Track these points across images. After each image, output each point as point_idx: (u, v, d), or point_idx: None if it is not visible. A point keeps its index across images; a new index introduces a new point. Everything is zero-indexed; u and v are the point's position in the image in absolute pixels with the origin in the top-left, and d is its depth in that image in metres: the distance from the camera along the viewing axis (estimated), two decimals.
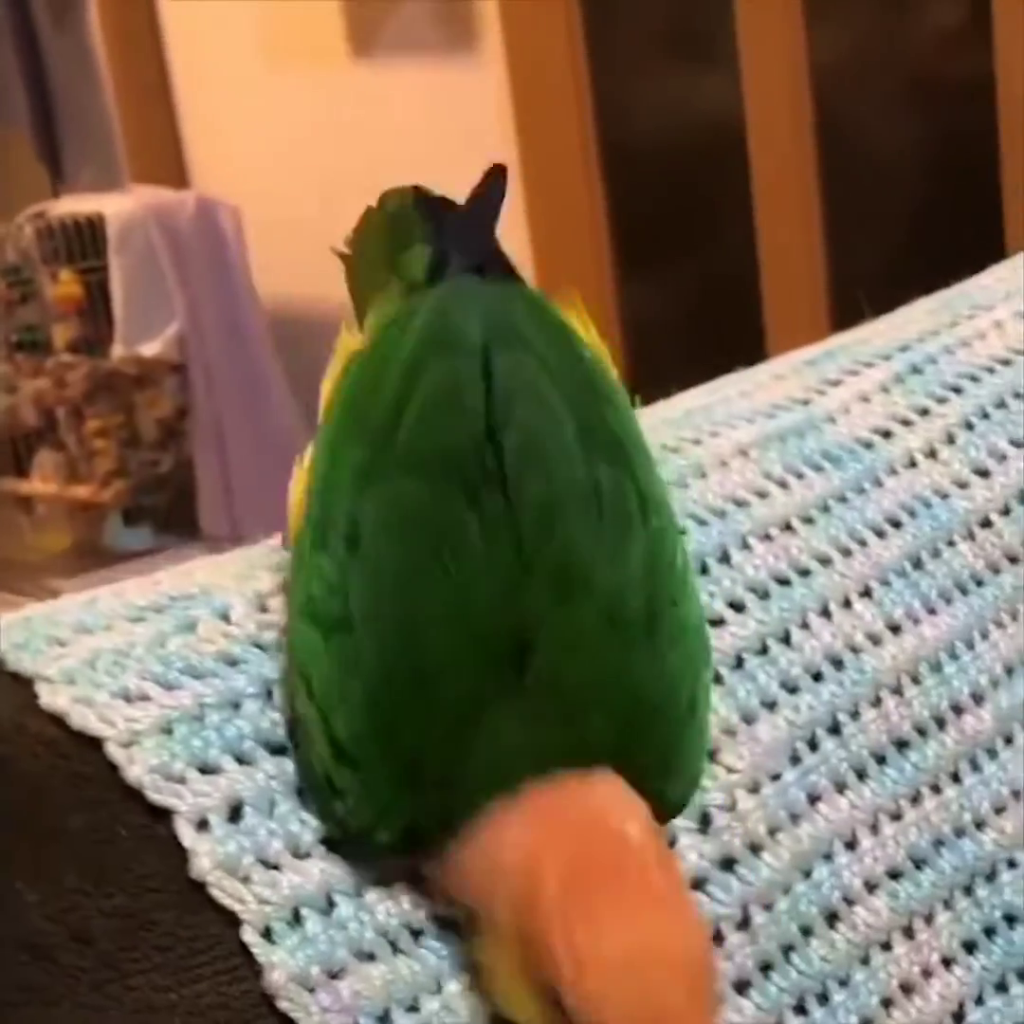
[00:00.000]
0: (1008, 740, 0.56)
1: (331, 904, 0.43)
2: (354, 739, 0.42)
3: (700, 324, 2.35)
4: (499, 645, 0.42)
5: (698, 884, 0.48)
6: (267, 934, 0.42)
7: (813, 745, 0.52)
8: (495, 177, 0.49)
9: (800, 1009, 0.49)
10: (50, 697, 0.44)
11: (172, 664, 0.45)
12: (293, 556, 0.46)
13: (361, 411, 0.46)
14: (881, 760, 0.53)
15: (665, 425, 0.59)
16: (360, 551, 0.43)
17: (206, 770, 0.44)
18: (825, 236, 2.25)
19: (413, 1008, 0.44)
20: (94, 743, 0.43)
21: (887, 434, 0.60)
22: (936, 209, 2.18)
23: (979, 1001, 0.53)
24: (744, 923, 0.48)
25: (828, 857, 0.51)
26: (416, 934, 0.44)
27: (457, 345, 0.45)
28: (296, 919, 0.43)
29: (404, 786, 0.42)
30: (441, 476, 0.43)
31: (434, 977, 0.44)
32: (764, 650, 0.53)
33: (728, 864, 0.49)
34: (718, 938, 0.48)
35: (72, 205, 2.67)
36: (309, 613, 0.44)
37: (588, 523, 0.44)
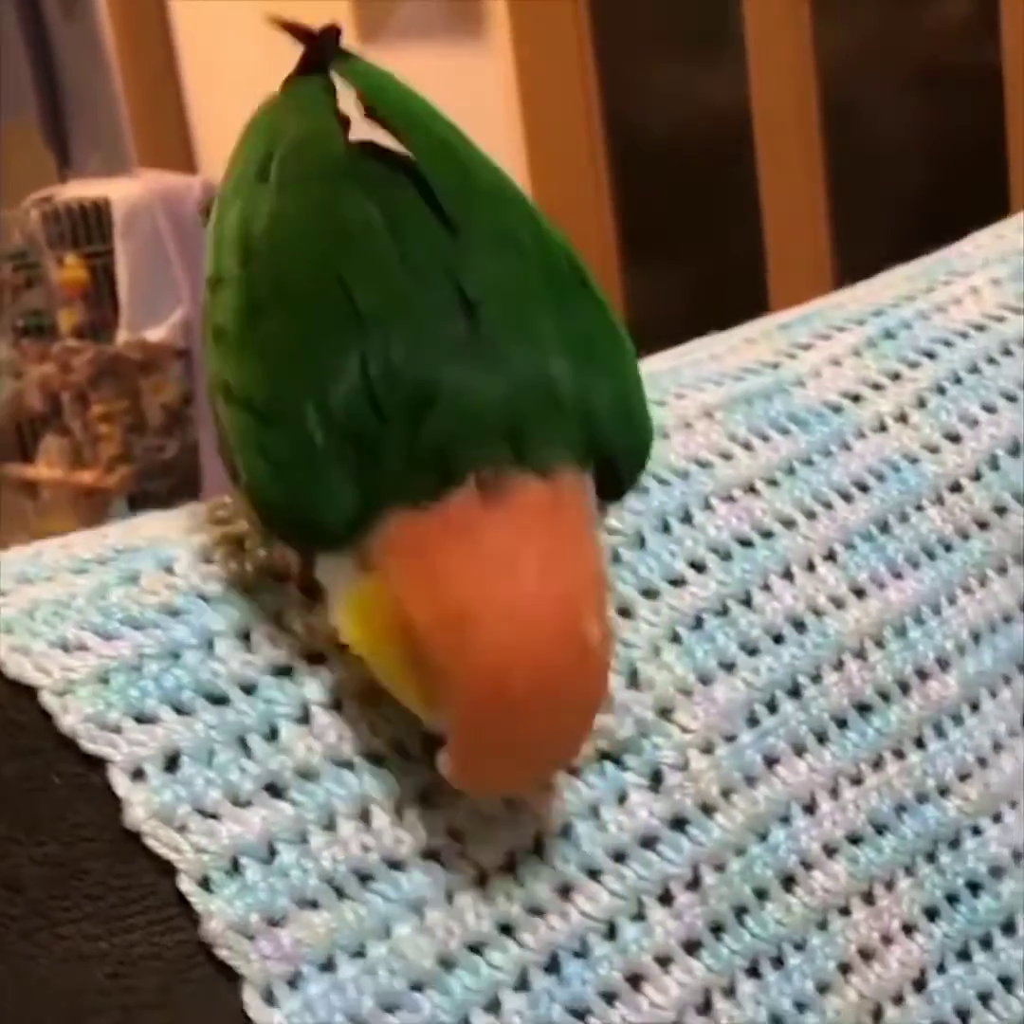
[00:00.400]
0: (974, 707, 0.55)
1: (273, 852, 0.43)
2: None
3: (705, 315, 2.33)
4: (444, 297, 0.43)
5: (648, 843, 0.47)
6: (205, 883, 0.41)
7: (772, 707, 0.51)
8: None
9: (753, 972, 0.48)
10: None
11: (112, 615, 0.45)
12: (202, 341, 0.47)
13: (237, 179, 0.48)
14: (842, 724, 0.53)
15: None
16: (258, 260, 0.45)
17: (142, 720, 0.43)
18: (831, 226, 2.24)
19: (359, 954, 0.43)
20: (29, 692, 0.43)
21: (857, 398, 0.60)
22: (942, 198, 2.16)
23: (941, 969, 0.52)
24: (694, 883, 0.48)
25: (785, 820, 0.50)
26: (365, 878, 0.44)
27: (312, 106, 0.48)
28: (235, 868, 0.42)
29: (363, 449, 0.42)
30: (331, 180, 0.45)
31: (382, 922, 0.43)
32: (724, 611, 0.52)
33: (679, 824, 0.48)
34: (667, 898, 0.47)
35: (78, 189, 2.67)
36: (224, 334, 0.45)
37: (498, 202, 0.46)
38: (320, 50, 0.50)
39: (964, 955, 0.53)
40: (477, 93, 2.47)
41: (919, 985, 0.52)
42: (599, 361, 0.45)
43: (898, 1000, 0.51)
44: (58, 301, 2.57)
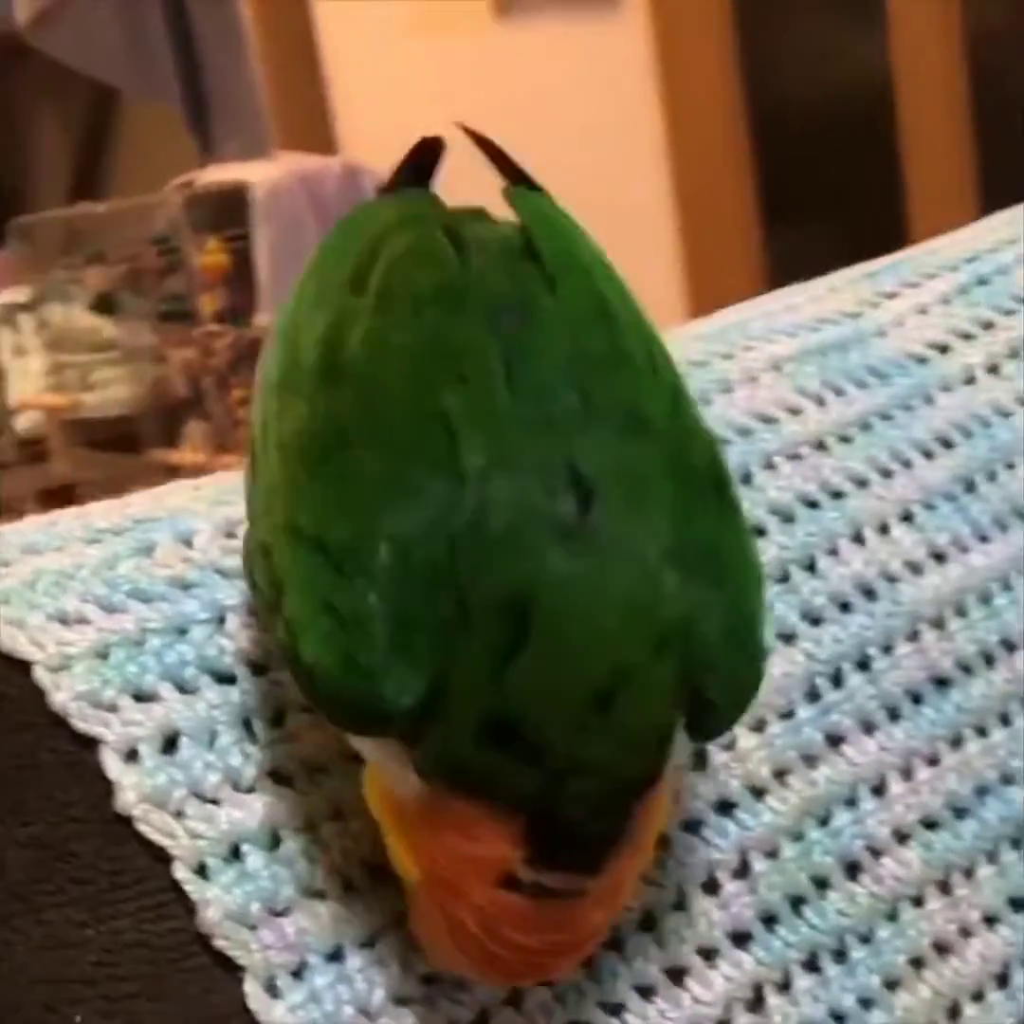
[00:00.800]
0: None
1: (276, 840, 0.40)
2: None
3: None
4: (554, 466, 0.36)
5: (692, 827, 0.44)
6: (201, 870, 0.39)
7: (836, 681, 0.47)
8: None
9: (811, 965, 0.45)
10: None
11: (118, 587, 0.42)
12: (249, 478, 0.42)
13: (323, 283, 0.42)
14: (917, 699, 0.48)
15: (697, 340, 0.54)
16: (348, 383, 0.38)
17: (141, 697, 0.40)
18: (976, 191, 2.16)
19: (368, 945, 0.40)
20: (23, 666, 0.40)
21: (944, 349, 0.55)
22: None
23: None
24: (742, 871, 0.44)
25: (851, 803, 0.47)
26: (376, 870, 0.41)
27: (419, 218, 0.42)
28: (234, 855, 0.39)
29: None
30: (446, 306, 0.39)
31: (395, 913, 0.40)
32: (785, 578, 0.48)
33: (725, 807, 0.44)
34: (713, 886, 0.44)
35: (219, 174, 2.68)
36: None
37: (641, 375, 0.39)
38: (430, 154, 0.44)
39: None
40: (614, 62, 2.43)
41: (1002, 980, 0.48)
42: (715, 575, 0.37)
43: (977, 997, 0.47)
44: (199, 286, 2.58)
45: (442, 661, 0.35)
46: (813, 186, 2.32)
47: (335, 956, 0.40)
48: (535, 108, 2.46)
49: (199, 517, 0.45)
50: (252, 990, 0.38)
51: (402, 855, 0.37)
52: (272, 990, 0.39)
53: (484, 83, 2.59)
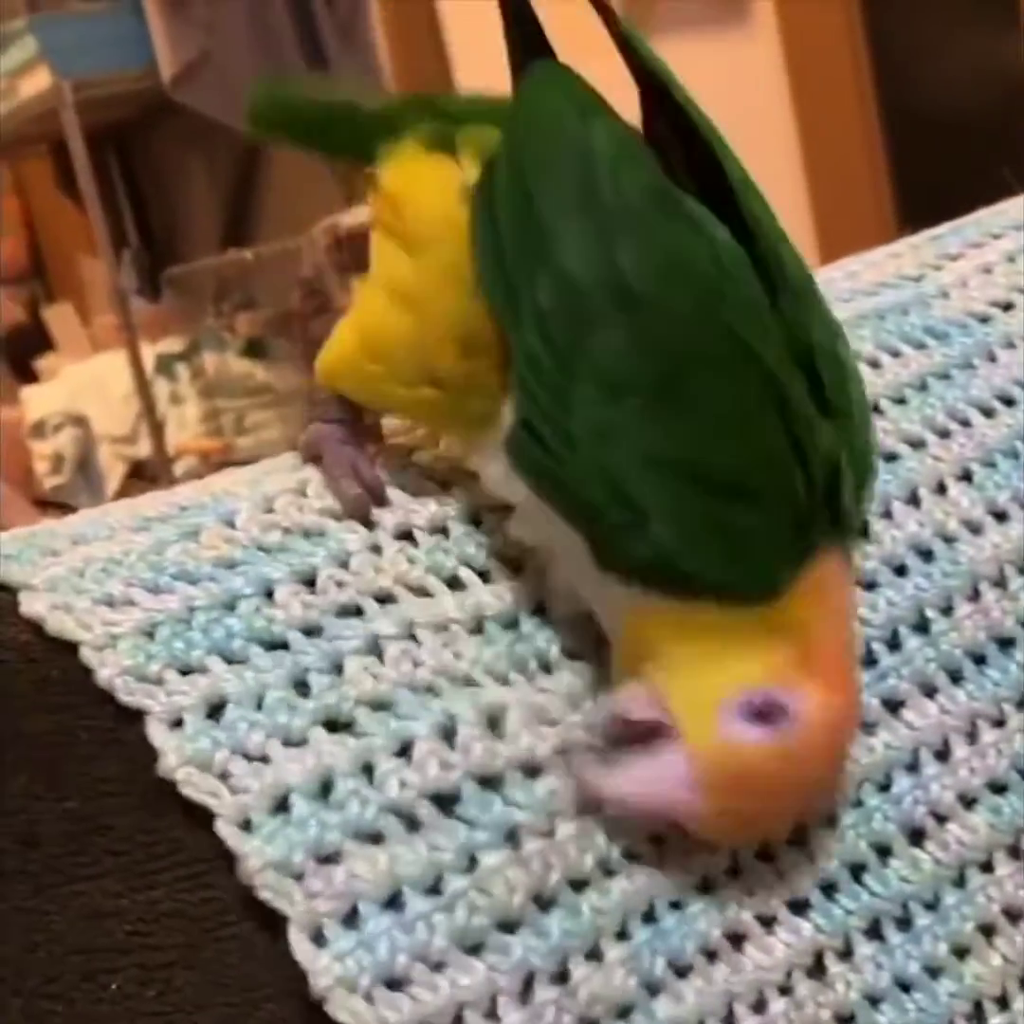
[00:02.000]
0: None
1: (327, 788, 0.40)
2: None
3: None
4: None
5: None
6: (245, 826, 0.39)
7: (894, 645, 0.46)
8: None
9: (874, 933, 0.44)
10: (29, 604, 0.42)
11: (164, 570, 0.43)
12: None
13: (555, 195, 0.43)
14: (980, 660, 0.47)
15: None
16: (645, 307, 0.41)
17: (187, 671, 0.41)
18: None
19: (433, 889, 0.40)
20: (69, 648, 0.41)
21: (1008, 306, 0.54)
22: None
23: None
24: (799, 840, 0.43)
25: (912, 768, 0.45)
26: (446, 802, 0.40)
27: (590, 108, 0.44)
28: (281, 807, 0.39)
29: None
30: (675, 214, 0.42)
31: (466, 852, 0.40)
32: None
33: None
34: (767, 855, 0.43)
35: (363, 214, 2.72)
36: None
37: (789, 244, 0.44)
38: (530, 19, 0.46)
39: None
40: (746, 78, 2.42)
41: None
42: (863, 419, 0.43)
43: None
44: None
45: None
46: (950, 191, 2.28)
47: (392, 902, 0.39)
48: None
49: (240, 498, 0.46)
50: (297, 940, 0.38)
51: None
52: (318, 939, 0.38)
53: (618, 105, 2.59)
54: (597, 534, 0.41)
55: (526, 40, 0.46)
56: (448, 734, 0.41)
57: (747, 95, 2.42)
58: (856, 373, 0.43)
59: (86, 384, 3.03)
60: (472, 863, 0.40)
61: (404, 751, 0.41)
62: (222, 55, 2.72)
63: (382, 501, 0.46)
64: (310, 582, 0.44)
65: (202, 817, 0.39)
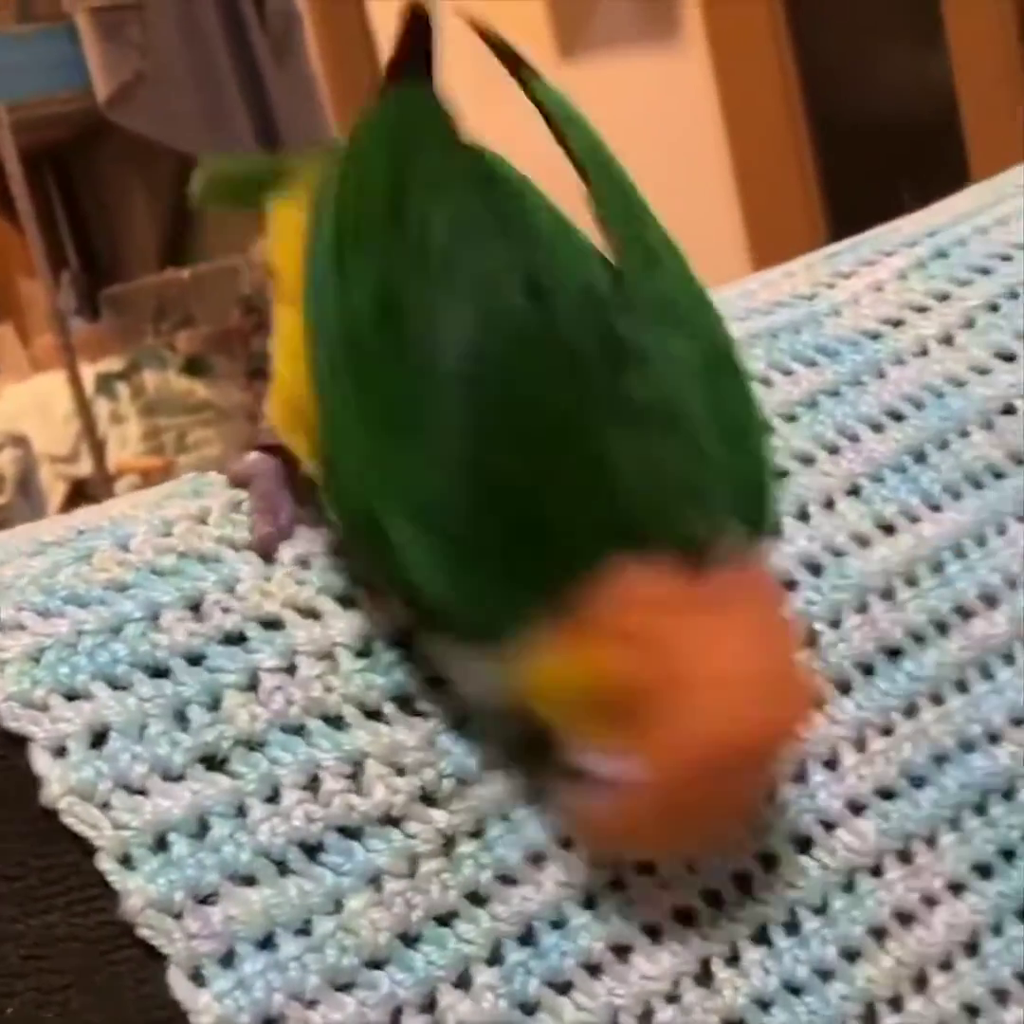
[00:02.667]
0: None
1: (205, 827, 0.41)
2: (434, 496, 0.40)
3: None
4: (610, 358, 0.41)
5: None
6: (125, 860, 0.40)
7: None
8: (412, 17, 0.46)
9: (760, 938, 0.45)
10: None
11: (55, 593, 0.44)
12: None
13: (360, 217, 0.43)
14: (868, 670, 0.48)
15: None
16: (418, 348, 0.41)
17: (72, 696, 0.42)
18: None
19: (303, 931, 0.41)
20: None
21: (898, 323, 0.55)
22: None
23: (997, 931, 0.47)
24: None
25: (800, 779, 0.46)
26: (312, 850, 0.42)
27: (433, 131, 0.44)
28: (160, 844, 0.40)
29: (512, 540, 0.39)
30: (479, 237, 0.42)
31: (331, 896, 0.41)
32: None
33: None
34: (650, 868, 0.44)
35: None
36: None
37: (662, 263, 0.44)
38: (420, 36, 0.46)
39: None
40: (677, 93, 2.44)
41: (971, 949, 0.47)
42: (743, 441, 0.43)
43: (946, 966, 0.47)
44: None
45: (560, 561, 0.39)
46: (879, 202, 2.31)
47: (266, 943, 0.40)
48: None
49: (138, 522, 0.46)
50: (176, 980, 0.39)
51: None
52: (198, 979, 0.39)
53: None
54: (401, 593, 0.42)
55: (410, 58, 0.46)
56: (313, 782, 0.42)
57: (678, 108, 2.44)
58: (724, 387, 0.43)
59: (26, 404, 3.02)
60: (338, 906, 0.41)
61: (274, 797, 0.42)
62: (157, 76, 2.72)
63: (288, 538, 0.46)
64: (197, 607, 0.44)
65: (89, 843, 0.40)
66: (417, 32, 0.46)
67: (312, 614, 0.44)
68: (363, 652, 0.44)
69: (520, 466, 0.40)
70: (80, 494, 2.91)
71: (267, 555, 0.46)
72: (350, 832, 0.42)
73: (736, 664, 0.39)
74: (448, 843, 0.43)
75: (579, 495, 0.39)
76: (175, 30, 2.71)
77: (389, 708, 0.44)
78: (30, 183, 2.81)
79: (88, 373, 2.85)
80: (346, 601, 0.45)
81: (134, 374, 2.86)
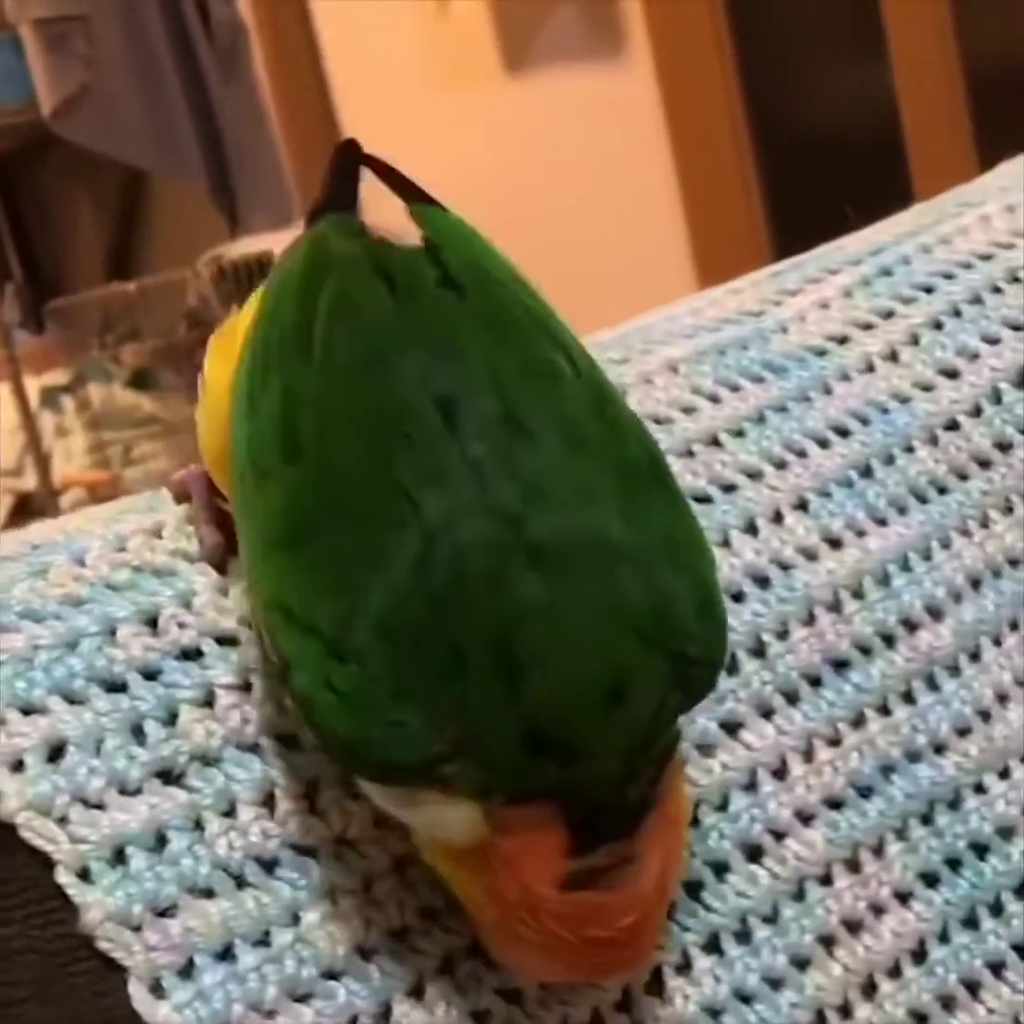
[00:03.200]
0: (973, 656, 0.51)
1: (162, 841, 0.41)
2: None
3: None
4: (510, 497, 0.38)
5: None
6: (84, 874, 0.40)
7: (732, 670, 0.48)
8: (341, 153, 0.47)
9: (712, 947, 0.45)
10: None
11: (10, 608, 0.44)
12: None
13: (272, 347, 0.43)
14: (815, 682, 0.49)
15: (594, 347, 0.55)
16: (307, 461, 0.40)
17: (28, 711, 0.42)
18: None
19: (262, 942, 0.41)
20: None
21: (843, 340, 0.56)
22: None
23: (943, 938, 0.48)
24: None
25: (749, 787, 0.47)
26: (269, 866, 0.42)
27: (350, 259, 0.43)
28: (118, 858, 0.41)
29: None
30: (379, 361, 0.41)
31: (288, 909, 0.42)
32: None
33: None
34: None
35: (246, 246, 2.72)
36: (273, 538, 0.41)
37: (566, 383, 0.41)
38: (349, 171, 0.46)
39: (970, 922, 0.49)
40: (622, 108, 2.45)
41: (918, 956, 0.48)
42: (675, 559, 0.40)
43: (894, 973, 0.47)
44: None
45: (454, 705, 0.37)
46: (823, 215, 2.33)
47: (225, 954, 0.41)
48: (548, 158, 2.49)
49: (93, 537, 0.46)
50: (136, 991, 0.39)
51: (479, 897, 0.40)
52: (157, 991, 0.40)
53: (497, 136, 2.62)
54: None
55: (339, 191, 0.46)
56: (268, 800, 0.43)
57: (624, 123, 2.45)
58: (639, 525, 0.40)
59: None
60: (296, 919, 0.42)
61: (230, 812, 0.42)
62: (102, 88, 2.71)
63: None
64: (153, 622, 0.44)
65: (47, 857, 0.40)
66: (344, 169, 0.46)
67: None
68: None
69: (424, 612, 0.38)
70: (26, 508, 2.89)
71: (219, 566, 0.46)
72: (306, 850, 0.42)
73: (579, 952, 0.39)
74: (401, 866, 0.43)
75: (483, 662, 0.37)
76: (120, 42, 2.70)
77: None
78: None
79: (33, 386, 2.83)
80: None
81: (79, 387, 2.84)
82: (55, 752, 0.41)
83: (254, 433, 0.42)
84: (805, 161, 2.39)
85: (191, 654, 0.44)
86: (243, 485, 0.42)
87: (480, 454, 0.39)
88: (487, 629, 0.37)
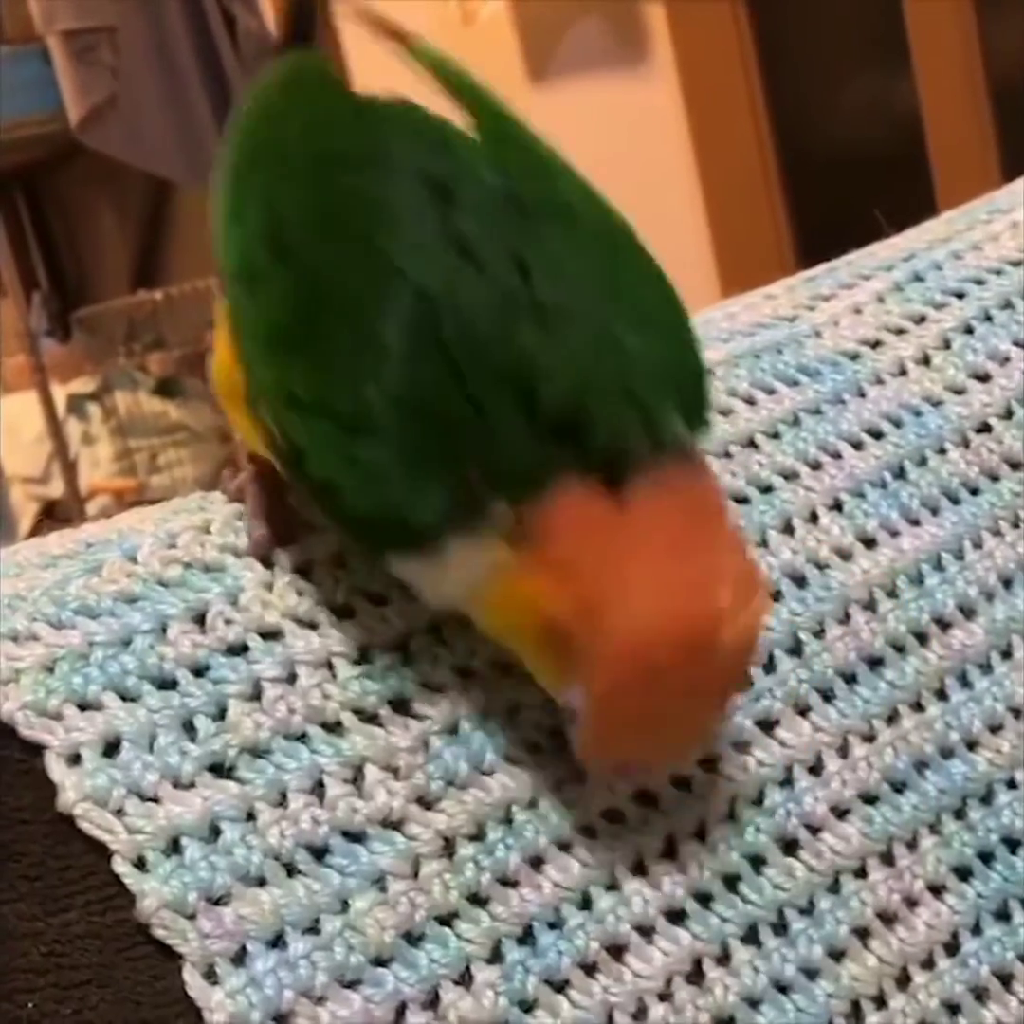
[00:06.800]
0: (1005, 654, 0.52)
1: (215, 832, 0.42)
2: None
3: None
4: (499, 266, 0.41)
5: (614, 817, 0.45)
6: (140, 863, 0.41)
7: (768, 668, 0.49)
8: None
9: (751, 939, 0.46)
10: None
11: (67, 605, 0.45)
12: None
13: (245, 163, 0.46)
14: (850, 679, 0.50)
15: None
16: (299, 256, 0.43)
17: (85, 706, 0.43)
18: None
19: (312, 930, 0.42)
20: None
21: (877, 344, 0.57)
22: None
23: (976, 930, 0.49)
24: (669, 853, 0.46)
25: (786, 783, 0.48)
26: (319, 853, 0.43)
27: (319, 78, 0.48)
28: (174, 848, 0.42)
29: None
30: (369, 160, 0.44)
31: (338, 896, 0.43)
32: None
33: (647, 798, 0.46)
34: (641, 869, 0.45)
35: None
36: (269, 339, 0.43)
37: (540, 163, 0.46)
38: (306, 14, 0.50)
39: (1003, 915, 0.50)
40: (646, 117, 2.47)
41: (951, 948, 0.49)
42: (658, 324, 0.44)
43: (927, 964, 0.48)
44: None
45: (475, 442, 0.40)
46: (847, 227, 2.34)
47: (276, 942, 0.42)
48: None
49: (145, 534, 0.48)
50: (191, 978, 0.40)
51: (565, 667, 0.41)
52: (211, 977, 0.41)
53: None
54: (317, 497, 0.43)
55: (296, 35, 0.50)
56: (317, 788, 0.44)
57: (647, 132, 2.46)
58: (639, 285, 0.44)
59: None
60: (345, 906, 0.43)
61: (281, 801, 0.43)
62: (129, 98, 2.73)
63: (287, 543, 0.48)
64: (201, 619, 0.45)
65: (105, 846, 0.41)
66: (301, 11, 0.51)
67: (310, 625, 0.46)
68: (359, 659, 0.46)
69: (434, 368, 0.40)
70: (51, 515, 2.91)
71: (265, 559, 0.47)
72: (354, 835, 0.43)
73: (658, 570, 0.39)
74: (448, 845, 0.44)
75: (498, 396, 0.40)
76: (147, 53, 2.72)
77: (384, 711, 0.45)
78: (1, 204, 2.82)
79: (59, 394, 2.85)
80: (343, 611, 0.47)
81: (105, 395, 2.87)
82: (110, 747, 0.43)
83: (243, 238, 0.44)
84: (828, 170, 2.40)
85: (237, 649, 0.45)
86: (235, 290, 0.44)
87: (475, 230, 0.42)
88: (501, 369, 0.40)
